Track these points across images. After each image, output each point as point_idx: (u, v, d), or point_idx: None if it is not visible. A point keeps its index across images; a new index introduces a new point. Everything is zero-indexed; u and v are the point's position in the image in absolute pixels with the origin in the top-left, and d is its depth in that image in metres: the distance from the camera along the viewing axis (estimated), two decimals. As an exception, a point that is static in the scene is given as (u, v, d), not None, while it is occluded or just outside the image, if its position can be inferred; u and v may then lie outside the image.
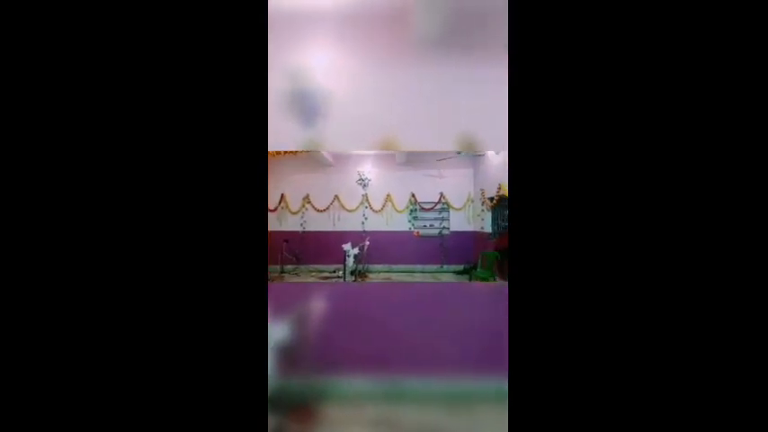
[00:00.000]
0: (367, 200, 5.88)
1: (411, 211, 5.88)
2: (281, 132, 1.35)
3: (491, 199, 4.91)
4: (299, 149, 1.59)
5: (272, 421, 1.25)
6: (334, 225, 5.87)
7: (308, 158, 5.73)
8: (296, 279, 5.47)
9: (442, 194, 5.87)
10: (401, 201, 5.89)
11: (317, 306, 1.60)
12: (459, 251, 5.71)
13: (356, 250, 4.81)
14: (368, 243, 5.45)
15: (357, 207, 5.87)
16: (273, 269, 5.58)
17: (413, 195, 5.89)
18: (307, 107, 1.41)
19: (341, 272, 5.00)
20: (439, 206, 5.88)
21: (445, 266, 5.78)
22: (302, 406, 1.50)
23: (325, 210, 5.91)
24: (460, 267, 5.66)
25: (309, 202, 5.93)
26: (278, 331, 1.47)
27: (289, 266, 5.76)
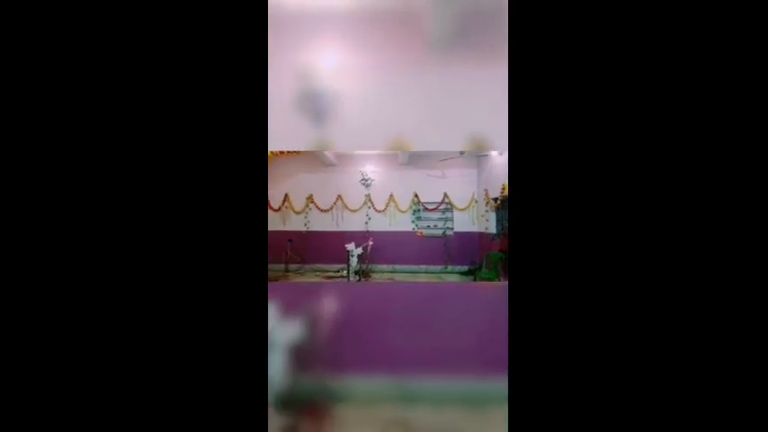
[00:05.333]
0: (370, 200, 5.89)
1: (414, 211, 5.87)
2: (288, 132, 1.36)
3: (495, 200, 4.89)
4: (307, 149, 1.59)
5: (283, 421, 1.24)
6: (337, 225, 5.89)
7: (311, 158, 5.75)
8: (300, 278, 5.50)
9: (445, 194, 5.85)
10: (404, 201, 5.89)
11: (327, 306, 1.60)
12: (463, 252, 5.69)
13: (360, 250, 4.83)
14: (371, 243, 5.46)
15: (360, 207, 5.88)
16: (278, 268, 5.62)
17: (416, 195, 5.88)
18: (315, 107, 1.41)
19: (345, 271, 5.02)
20: (442, 206, 5.86)
21: (450, 267, 5.77)
22: (312, 406, 1.49)
23: (328, 210, 5.93)
24: (465, 268, 5.64)
25: (313, 202, 5.96)
26: (286, 331, 1.48)
27: (293, 266, 5.79)
